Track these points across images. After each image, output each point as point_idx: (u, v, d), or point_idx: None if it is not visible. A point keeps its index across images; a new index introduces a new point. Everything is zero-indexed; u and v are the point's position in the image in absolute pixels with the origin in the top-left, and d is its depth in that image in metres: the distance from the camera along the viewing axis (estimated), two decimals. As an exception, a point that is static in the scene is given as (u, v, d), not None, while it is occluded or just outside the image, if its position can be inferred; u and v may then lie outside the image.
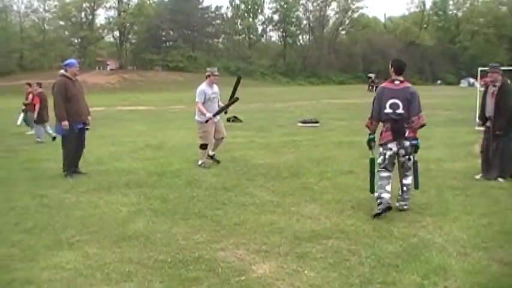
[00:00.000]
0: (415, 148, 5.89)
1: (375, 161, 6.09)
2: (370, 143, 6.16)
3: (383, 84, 6.04)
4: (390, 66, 5.98)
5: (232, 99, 8.69)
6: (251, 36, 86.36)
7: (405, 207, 5.97)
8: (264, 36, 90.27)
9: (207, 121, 8.44)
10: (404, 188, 5.94)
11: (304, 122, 17.01)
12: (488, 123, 7.91)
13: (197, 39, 77.50)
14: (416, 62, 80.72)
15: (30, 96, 14.23)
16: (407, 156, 5.88)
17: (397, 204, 5.95)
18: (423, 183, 7.10)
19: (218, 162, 8.77)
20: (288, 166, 8.97)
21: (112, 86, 55.58)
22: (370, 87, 52.46)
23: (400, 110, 5.76)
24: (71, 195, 6.86)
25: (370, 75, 64.99)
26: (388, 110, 5.81)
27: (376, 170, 5.99)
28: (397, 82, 5.91)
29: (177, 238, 5.06)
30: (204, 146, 8.33)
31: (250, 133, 14.96)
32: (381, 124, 6.00)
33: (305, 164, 9.14)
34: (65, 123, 7.91)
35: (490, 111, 7.89)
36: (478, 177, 7.92)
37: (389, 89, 5.87)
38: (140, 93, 47.91)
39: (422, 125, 5.82)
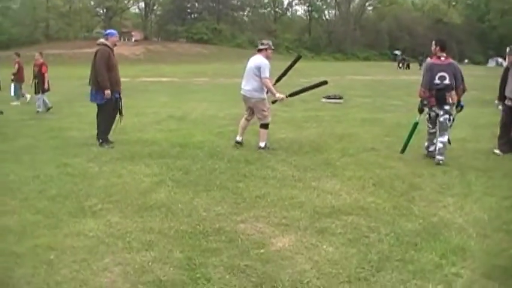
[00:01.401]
0: (461, 108, 7.59)
1: (417, 126, 7.70)
2: (423, 106, 7.55)
3: (432, 60, 7.40)
4: (435, 44, 7.41)
5: (321, 82, 8.43)
6: (276, 9, 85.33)
7: (441, 161, 7.21)
8: (290, 10, 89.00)
9: (274, 101, 8.29)
10: (441, 145, 7.24)
11: (328, 97, 16.84)
12: (508, 102, 8.23)
13: (222, 11, 76.85)
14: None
15: (16, 66, 14.25)
16: (446, 116, 7.32)
17: (437, 158, 7.25)
18: (446, 163, 7.23)
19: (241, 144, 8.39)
20: (310, 141, 8.91)
21: (137, 57, 55.83)
22: (401, 65, 50.30)
23: (447, 81, 7.23)
24: (94, 165, 6.93)
25: (396, 52, 63.54)
26: (437, 81, 7.27)
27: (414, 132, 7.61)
28: (442, 58, 7.39)
29: (198, 209, 5.08)
30: (266, 126, 7.93)
31: (273, 106, 14.90)
32: None
33: (327, 140, 9.07)
34: (108, 91, 8.09)
35: (509, 92, 8.12)
36: (497, 151, 8.14)
37: (438, 64, 7.32)
38: (165, 64, 47.92)
39: (464, 91, 7.41)
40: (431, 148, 7.60)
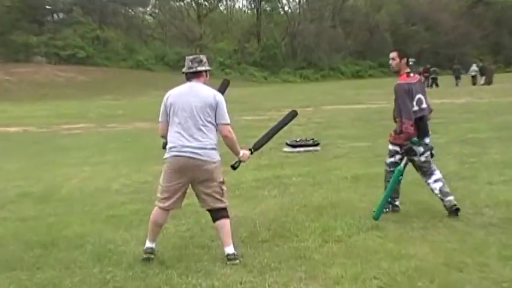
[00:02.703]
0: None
1: (401, 174, 8.24)
2: (412, 148, 8.07)
3: (405, 80, 8.07)
4: (399, 56, 8.14)
5: (288, 114, 8.30)
6: (201, 1, 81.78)
7: (456, 205, 8.05)
8: (224, 2, 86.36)
9: (236, 166, 7.45)
10: (440, 184, 8.11)
11: (294, 144, 16.14)
12: None
13: (108, 8, 73.52)
14: (486, 29, 76.53)
15: None
16: (428, 153, 8.15)
17: (449, 202, 8.03)
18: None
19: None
20: (269, 220, 8.53)
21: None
22: (423, 81, 49.30)
23: (424, 105, 8.06)
24: None
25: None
26: (415, 108, 7.97)
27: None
28: (412, 75, 8.13)
29: None
30: (227, 211, 7.17)
31: None
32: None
33: (298, 217, 8.70)
34: None
35: None
36: None
37: (412, 84, 8.05)
38: (10, 103, 45.49)
39: (431, 111, 8.41)
40: (398, 201, 8.54)
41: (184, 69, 7.11)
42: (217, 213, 6.98)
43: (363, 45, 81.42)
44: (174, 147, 6.90)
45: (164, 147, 7.11)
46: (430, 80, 49.29)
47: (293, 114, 8.22)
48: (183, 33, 77.85)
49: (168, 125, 6.96)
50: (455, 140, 16.14)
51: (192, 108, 6.86)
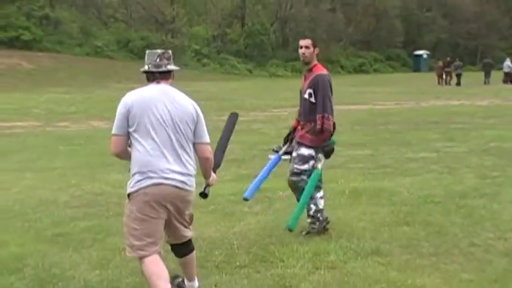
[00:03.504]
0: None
1: (318, 178, 8.65)
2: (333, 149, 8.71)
3: (326, 71, 8.69)
4: (315, 45, 8.57)
5: (230, 117, 8.19)
6: None
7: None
8: None
9: (205, 194, 7.01)
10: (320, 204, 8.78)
11: (284, 151, 15.21)
12: None
13: None
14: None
15: None
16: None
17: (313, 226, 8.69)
18: None
19: None
20: (249, 242, 8.52)
21: None
22: (444, 78, 50.20)
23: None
24: None
25: (420, 53, 62.99)
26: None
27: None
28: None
29: None
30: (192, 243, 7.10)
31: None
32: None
33: (284, 238, 8.66)
34: None
35: None
36: None
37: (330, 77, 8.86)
38: None
39: None
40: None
41: (148, 67, 6.50)
42: (186, 246, 6.71)
43: (367, 34, 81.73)
44: (153, 173, 6.18)
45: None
46: (447, 76, 49.86)
47: (234, 119, 8.16)
48: (152, 14, 77.43)
49: (127, 141, 6.26)
50: (476, 150, 16.25)
51: (173, 120, 6.31)
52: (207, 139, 6.48)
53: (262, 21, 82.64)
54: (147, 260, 6.12)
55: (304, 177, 8.61)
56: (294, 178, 8.74)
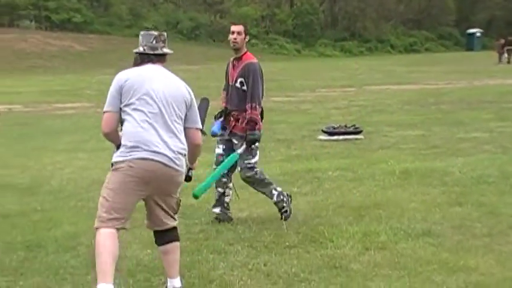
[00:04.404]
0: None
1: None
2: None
3: (256, 60, 8.64)
4: (247, 32, 8.54)
5: (202, 101, 7.91)
6: None
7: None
8: None
9: (190, 176, 6.72)
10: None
11: (331, 131, 16.09)
12: None
13: None
14: None
15: None
16: None
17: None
18: None
19: None
20: (298, 222, 8.54)
21: None
22: (507, 56, 49.63)
23: None
24: None
25: (474, 31, 61.82)
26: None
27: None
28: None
29: None
30: (177, 232, 6.69)
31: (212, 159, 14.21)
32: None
33: (333, 218, 8.69)
34: None
35: None
36: None
37: None
38: None
39: None
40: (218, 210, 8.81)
41: (143, 49, 6.30)
42: (169, 234, 6.31)
43: (418, 12, 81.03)
44: (142, 145, 5.97)
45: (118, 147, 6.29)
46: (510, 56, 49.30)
47: (206, 104, 8.03)
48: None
49: (118, 117, 6.06)
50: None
51: (166, 97, 6.16)
52: (199, 124, 6.37)
53: (311, 1, 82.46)
54: (102, 231, 5.82)
55: (257, 169, 8.67)
56: (248, 173, 8.64)
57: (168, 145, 5.96)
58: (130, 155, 5.79)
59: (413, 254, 7.11)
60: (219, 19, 77.22)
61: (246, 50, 8.62)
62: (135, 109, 5.89)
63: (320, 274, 6.53)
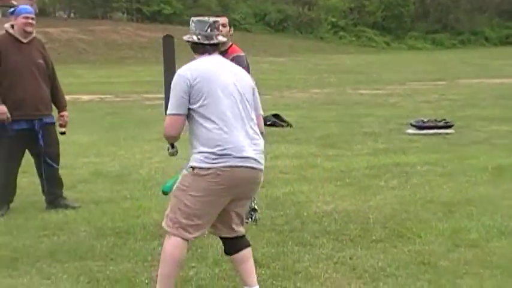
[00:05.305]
0: None
1: None
2: None
3: (243, 52, 8.27)
4: (224, 25, 7.89)
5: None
6: None
7: None
8: None
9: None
10: None
11: (421, 126, 15.99)
12: None
13: None
14: None
15: None
16: None
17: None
18: None
19: None
20: (385, 217, 8.48)
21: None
22: None
23: None
24: None
25: None
26: None
27: None
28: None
29: None
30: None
31: (309, 149, 14.19)
32: None
33: (421, 213, 8.65)
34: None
35: None
36: None
37: None
38: (84, 66, 46.86)
39: None
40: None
41: (196, 38, 5.78)
42: (242, 240, 5.93)
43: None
44: (229, 151, 5.54)
45: (173, 150, 6.02)
46: None
47: (169, 41, 7.93)
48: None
49: (185, 119, 5.64)
50: None
51: (238, 89, 5.75)
52: (261, 110, 6.03)
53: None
54: (178, 241, 5.55)
55: None
56: None
57: (251, 144, 5.65)
58: (218, 163, 5.43)
59: (506, 252, 7.00)
60: (307, 11, 77.02)
61: (231, 42, 8.45)
62: (211, 111, 5.51)
63: (407, 270, 6.49)
